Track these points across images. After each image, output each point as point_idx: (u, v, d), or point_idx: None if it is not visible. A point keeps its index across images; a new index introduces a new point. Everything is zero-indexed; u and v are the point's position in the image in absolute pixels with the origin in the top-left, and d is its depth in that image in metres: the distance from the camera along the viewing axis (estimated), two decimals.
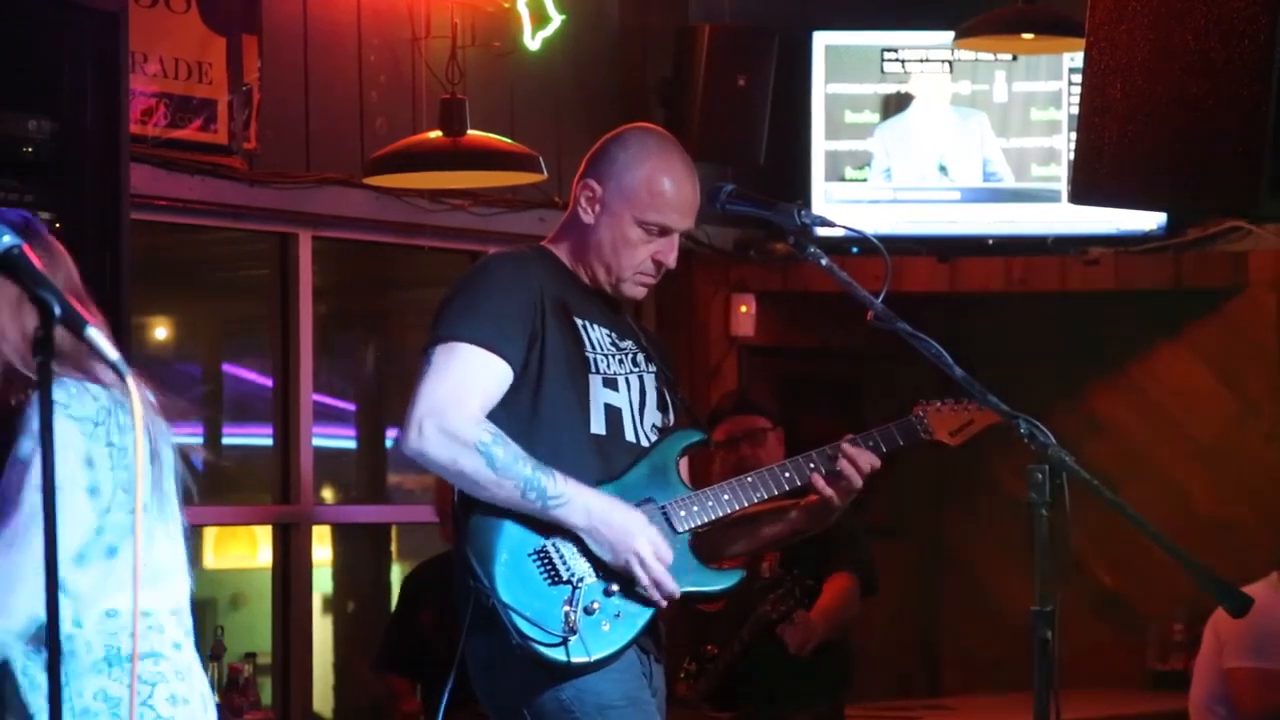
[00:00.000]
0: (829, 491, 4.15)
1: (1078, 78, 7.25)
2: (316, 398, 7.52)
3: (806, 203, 8.10)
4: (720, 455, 6.22)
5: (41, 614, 3.07)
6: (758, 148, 7.90)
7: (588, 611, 3.97)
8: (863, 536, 6.46)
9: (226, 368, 8.71)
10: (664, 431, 4.19)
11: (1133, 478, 8.62)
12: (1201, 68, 4.51)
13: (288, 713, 7.31)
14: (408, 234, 7.67)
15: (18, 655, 3.16)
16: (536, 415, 4.02)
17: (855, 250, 7.63)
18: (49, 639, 2.55)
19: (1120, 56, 4.65)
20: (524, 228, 7.66)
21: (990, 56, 8.36)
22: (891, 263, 3.83)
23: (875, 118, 8.48)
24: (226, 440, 8.50)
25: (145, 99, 6.65)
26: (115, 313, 5.14)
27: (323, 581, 8.24)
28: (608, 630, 3.99)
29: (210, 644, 6.80)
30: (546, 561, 3.98)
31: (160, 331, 8.60)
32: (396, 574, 8.45)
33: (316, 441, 7.49)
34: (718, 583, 4.16)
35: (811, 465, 4.16)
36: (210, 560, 8.35)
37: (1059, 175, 8.43)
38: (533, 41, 7.45)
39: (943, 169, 8.51)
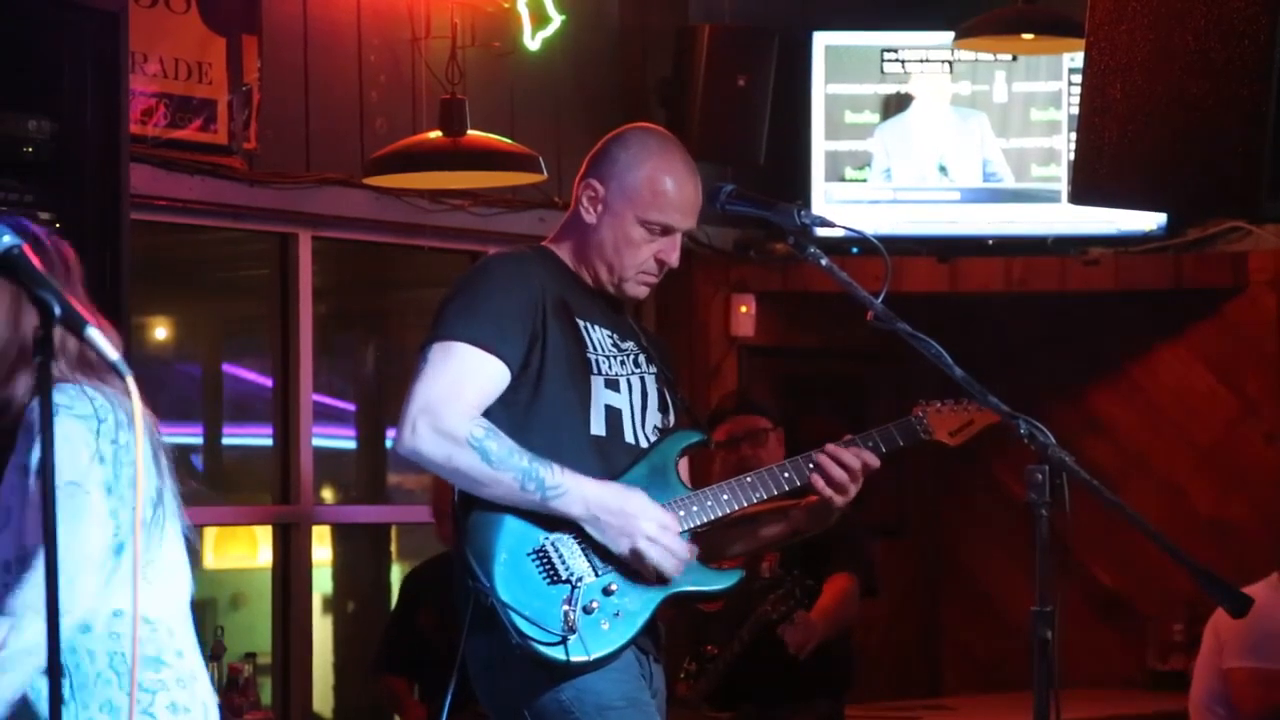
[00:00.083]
0: (829, 492, 4.15)
1: (1078, 78, 7.25)
2: (316, 398, 7.52)
3: (806, 203, 8.10)
4: (721, 455, 6.22)
5: (93, 605, 3.08)
6: (758, 148, 7.90)
7: (587, 611, 3.97)
8: (863, 537, 6.46)
9: (226, 368, 8.71)
10: (664, 432, 4.19)
11: (1133, 478, 8.62)
12: (1201, 68, 4.52)
13: (287, 713, 7.31)
14: (408, 234, 7.67)
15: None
16: (537, 415, 4.02)
17: (855, 250, 7.63)
18: (49, 639, 2.55)
19: (1120, 56, 4.66)
20: (524, 228, 7.66)
21: (990, 57, 8.35)
22: (891, 263, 3.83)
23: (875, 118, 8.48)
24: (226, 440, 8.51)
25: (145, 99, 6.65)
26: (115, 313, 5.14)
27: (323, 581, 8.24)
28: (607, 629, 3.99)
29: (210, 644, 6.80)
30: (545, 561, 3.98)
31: (160, 331, 8.61)
32: (396, 574, 8.46)
33: (316, 441, 7.49)
34: (718, 583, 4.15)
35: (811, 466, 4.16)
36: (210, 560, 8.35)
37: (1059, 175, 8.43)
38: (533, 41, 7.45)
39: (943, 169, 8.51)
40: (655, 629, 4.10)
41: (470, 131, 6.63)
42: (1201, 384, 8.75)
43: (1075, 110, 5.93)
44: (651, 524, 3.99)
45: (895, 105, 8.50)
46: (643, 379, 4.17)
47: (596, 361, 4.09)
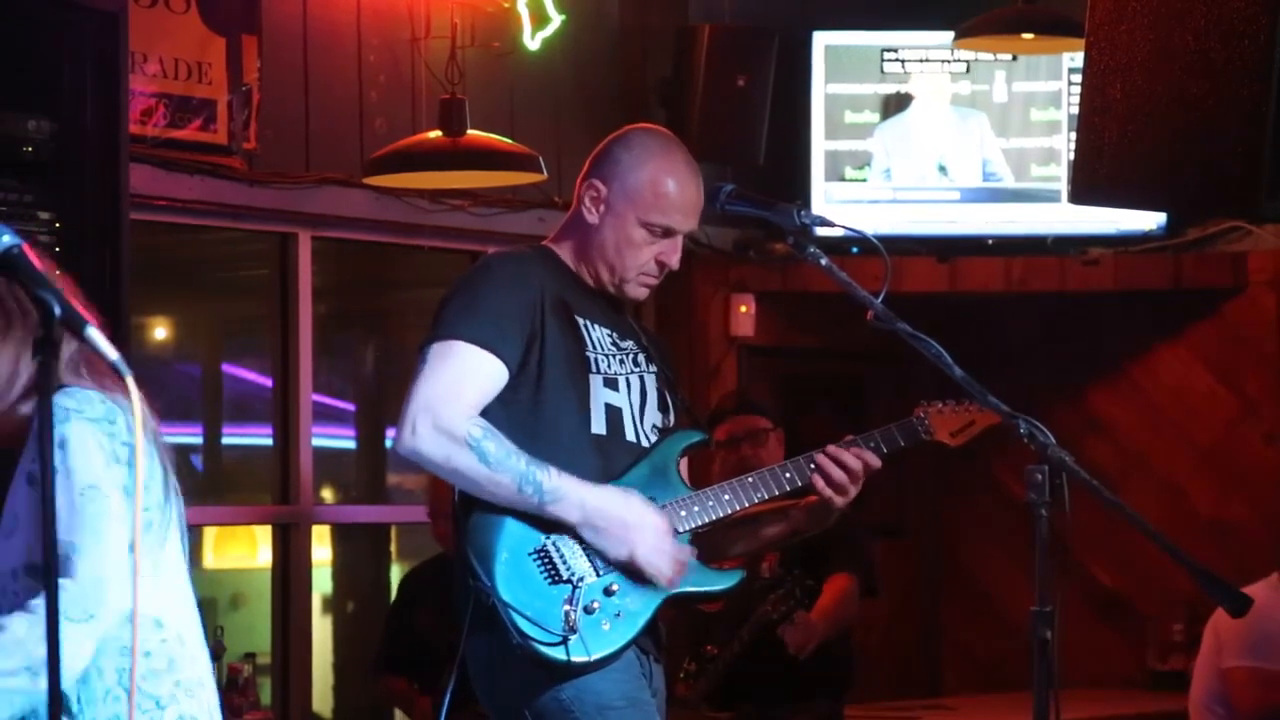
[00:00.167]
0: (829, 492, 4.15)
1: (1078, 78, 7.25)
2: (316, 398, 7.52)
3: (806, 203, 8.10)
4: (721, 455, 6.22)
5: (128, 604, 3.07)
6: (757, 148, 7.90)
7: (588, 611, 3.97)
8: (863, 537, 6.46)
9: (226, 368, 8.71)
10: (664, 432, 4.19)
11: (1133, 478, 8.62)
12: (1201, 68, 4.52)
13: (287, 713, 7.31)
14: (407, 234, 7.67)
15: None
16: (537, 415, 4.02)
17: (855, 250, 7.63)
18: (49, 639, 2.55)
19: (1120, 56, 4.66)
20: (524, 228, 7.65)
21: (990, 56, 8.35)
22: (891, 263, 3.83)
23: (875, 118, 8.48)
24: (226, 440, 8.50)
25: (145, 99, 6.65)
26: (115, 313, 5.14)
27: (322, 581, 8.24)
28: (608, 629, 3.99)
29: (210, 644, 6.79)
30: (547, 560, 3.98)
31: (160, 331, 8.61)
32: (396, 574, 8.45)
33: (316, 441, 7.49)
34: (718, 583, 4.15)
35: (812, 466, 4.16)
36: (210, 560, 8.35)
37: (1059, 175, 8.42)
38: (532, 41, 7.45)
39: (942, 169, 8.51)
40: (656, 629, 4.10)
41: (470, 131, 6.63)
42: (1201, 384, 8.75)
43: (1075, 110, 5.93)
44: (650, 533, 3.99)
45: (895, 105, 8.50)
46: (642, 378, 4.17)
47: (595, 360, 4.09)
